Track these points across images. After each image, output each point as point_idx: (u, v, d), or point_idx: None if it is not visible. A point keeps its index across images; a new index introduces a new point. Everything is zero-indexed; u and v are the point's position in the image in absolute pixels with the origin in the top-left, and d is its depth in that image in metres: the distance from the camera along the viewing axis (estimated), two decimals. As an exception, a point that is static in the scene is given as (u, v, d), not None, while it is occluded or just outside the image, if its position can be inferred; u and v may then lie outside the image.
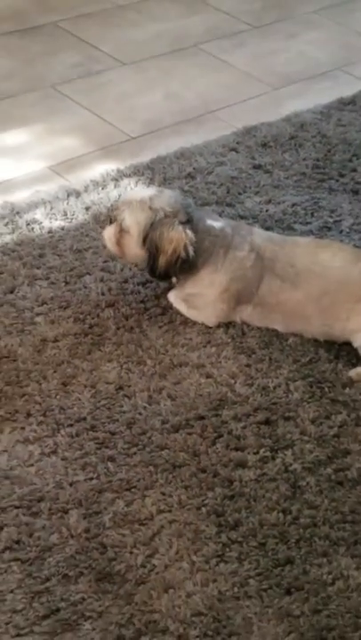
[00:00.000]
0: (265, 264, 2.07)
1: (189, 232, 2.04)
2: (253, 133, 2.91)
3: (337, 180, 2.69)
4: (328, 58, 3.47)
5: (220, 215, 2.50)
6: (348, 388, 2.00)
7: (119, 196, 2.51)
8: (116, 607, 1.58)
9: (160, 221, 2.04)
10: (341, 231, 2.48)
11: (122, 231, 2.10)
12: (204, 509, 1.74)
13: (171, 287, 2.21)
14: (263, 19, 3.78)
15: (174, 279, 2.16)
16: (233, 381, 2.02)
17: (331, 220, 2.52)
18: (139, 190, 2.23)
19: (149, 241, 2.05)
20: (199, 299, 2.13)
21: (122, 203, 2.12)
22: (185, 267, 2.07)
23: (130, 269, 2.30)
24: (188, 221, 2.06)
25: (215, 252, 2.09)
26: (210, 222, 2.12)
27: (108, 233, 2.14)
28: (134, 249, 2.10)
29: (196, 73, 3.34)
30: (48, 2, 3.75)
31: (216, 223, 2.13)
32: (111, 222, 2.15)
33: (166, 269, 2.07)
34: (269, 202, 2.59)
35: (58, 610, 1.57)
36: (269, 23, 3.76)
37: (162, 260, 2.06)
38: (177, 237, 2.04)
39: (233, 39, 3.60)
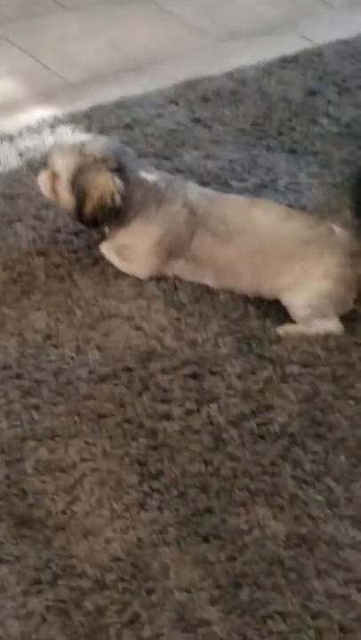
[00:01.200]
0: (198, 219, 2.07)
1: (117, 180, 2.03)
2: (194, 87, 2.89)
3: (275, 139, 2.69)
4: (275, 14, 3.44)
5: (157, 168, 2.48)
6: (274, 345, 2.03)
7: (54, 142, 2.47)
8: (34, 551, 1.59)
9: (88, 166, 2.03)
10: (277, 190, 2.49)
11: (54, 176, 2.09)
12: (127, 459, 1.76)
13: (104, 238, 2.20)
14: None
15: (106, 229, 2.15)
16: (162, 334, 2.02)
17: (267, 179, 2.52)
18: (76, 136, 2.21)
19: (77, 186, 2.04)
20: (131, 251, 2.13)
21: (55, 147, 2.12)
22: (113, 216, 2.06)
23: (63, 218, 2.28)
24: (119, 170, 2.05)
25: (147, 204, 2.08)
26: (143, 174, 2.11)
27: (42, 178, 2.13)
28: (64, 195, 2.09)
29: (141, 22, 3.29)
30: None
31: (150, 176, 2.12)
32: (46, 167, 2.13)
33: (93, 216, 2.06)
34: (207, 157, 2.58)
35: (-25, 554, 1.58)
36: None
37: (88, 206, 2.04)
38: (103, 183, 2.03)
39: (178, -11, 3.55)
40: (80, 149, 2.06)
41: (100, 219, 2.07)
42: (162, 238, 2.09)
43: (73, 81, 2.90)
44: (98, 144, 2.09)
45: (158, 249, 2.09)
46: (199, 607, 1.54)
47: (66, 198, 2.10)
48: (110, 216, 2.07)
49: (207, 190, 2.21)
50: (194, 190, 2.14)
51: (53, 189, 2.11)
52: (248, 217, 2.07)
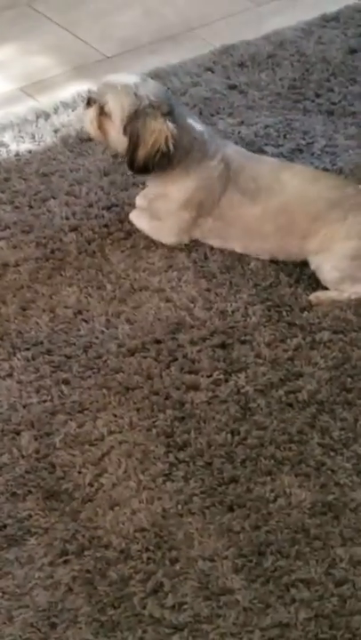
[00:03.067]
0: (230, 176, 2.06)
1: (172, 125, 1.99)
2: (231, 52, 2.84)
3: (312, 101, 2.64)
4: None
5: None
6: (305, 312, 2.00)
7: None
8: (62, 524, 1.63)
9: (144, 110, 1.99)
10: (313, 153, 2.44)
11: (103, 115, 2.04)
12: (154, 430, 1.77)
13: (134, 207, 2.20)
14: None
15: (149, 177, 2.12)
16: (192, 305, 2.02)
17: (303, 143, 2.48)
18: (123, 75, 2.13)
19: (131, 130, 2.00)
20: (163, 204, 2.11)
21: (105, 85, 2.06)
22: (163, 162, 2.02)
23: (95, 193, 2.29)
24: (170, 114, 2.01)
25: (192, 154, 2.05)
26: (191, 121, 2.09)
27: (90, 115, 2.07)
28: (115, 134, 2.05)
29: (178, -12, 3.25)
30: None
31: (197, 125, 2.10)
32: (89, 104, 2.09)
33: (145, 162, 2.02)
34: (242, 123, 2.55)
35: (5, 526, 1.62)
36: None
37: (141, 152, 2.01)
38: (159, 129, 1.99)
39: None
40: (134, 91, 2.01)
41: (151, 164, 2.03)
42: (194, 193, 2.06)
43: (109, 54, 2.89)
44: (150, 87, 2.04)
45: (189, 205, 2.08)
46: (222, 576, 1.55)
47: (116, 139, 2.05)
48: (161, 161, 2.02)
49: (244, 150, 2.19)
50: (232, 148, 2.13)
51: (100, 127, 2.06)
52: (277, 177, 2.05)
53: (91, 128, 2.09)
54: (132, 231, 2.20)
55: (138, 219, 2.17)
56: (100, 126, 2.07)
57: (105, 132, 2.07)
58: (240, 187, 2.05)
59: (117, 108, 2.02)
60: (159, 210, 2.13)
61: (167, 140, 2.00)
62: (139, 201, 2.18)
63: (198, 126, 2.10)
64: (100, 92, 2.06)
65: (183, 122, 2.06)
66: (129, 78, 2.06)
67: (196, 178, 2.06)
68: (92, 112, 2.07)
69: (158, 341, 1.94)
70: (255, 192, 2.03)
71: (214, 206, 2.07)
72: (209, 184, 2.06)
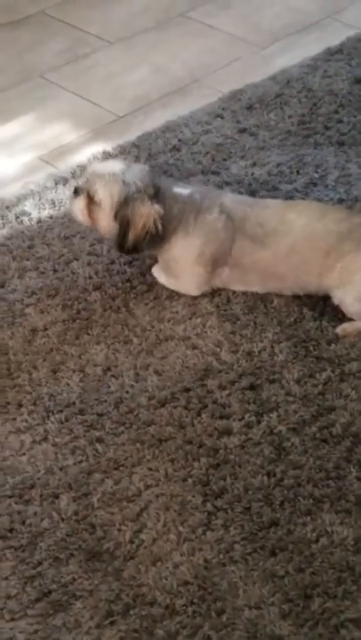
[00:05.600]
0: (236, 225, 2.07)
1: (157, 207, 2.06)
2: (239, 97, 2.88)
3: (322, 134, 2.65)
4: (315, 7, 3.40)
5: (205, 184, 2.50)
6: (333, 345, 1.99)
7: (88, 167, 2.38)
8: (106, 584, 1.62)
9: (132, 196, 2.05)
10: (327, 185, 2.45)
11: (92, 203, 2.10)
12: (190, 480, 1.77)
13: (155, 262, 2.23)
14: (250, -23, 3.71)
15: (146, 252, 2.17)
16: (218, 350, 2.03)
17: (316, 176, 2.49)
18: (108, 163, 2.20)
19: (121, 216, 2.06)
20: (177, 265, 2.14)
21: (92, 175, 2.11)
22: (154, 240, 2.08)
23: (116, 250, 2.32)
24: (156, 194, 2.07)
25: (185, 217, 2.09)
26: (177, 190, 2.13)
27: (79, 205, 2.13)
28: (105, 221, 2.10)
29: (183, 42, 3.32)
30: (35, -9, 3.76)
31: (184, 190, 2.14)
32: (77, 193, 2.14)
33: (135, 244, 2.09)
34: (254, 165, 2.57)
35: (50, 592, 1.62)
36: (257, -20, 3.69)
37: (131, 235, 2.07)
38: (148, 213, 2.05)
39: (219, 2, 3.55)
40: (122, 178, 2.07)
41: (140, 245, 2.10)
42: (203, 247, 2.09)
43: (121, 113, 2.95)
44: (136, 172, 2.10)
45: (202, 259, 2.10)
46: (270, 623, 1.52)
47: (106, 226, 2.11)
48: (151, 242, 2.09)
49: (244, 197, 2.22)
50: (230, 197, 2.15)
51: (90, 214, 2.12)
52: (282, 219, 2.05)
53: (81, 216, 2.14)
54: (154, 282, 2.22)
55: (159, 274, 2.20)
56: (90, 214, 2.12)
57: (94, 219, 2.12)
58: (248, 234, 2.06)
59: (107, 197, 2.07)
60: (174, 270, 2.16)
61: (155, 221, 2.05)
62: (155, 273, 2.21)
63: (185, 191, 2.14)
64: (89, 181, 2.11)
65: (170, 193, 2.11)
66: (115, 166, 2.12)
67: (199, 235, 2.09)
68: (81, 201, 2.12)
69: (187, 389, 1.94)
70: (264, 237, 2.05)
71: (227, 256, 2.09)
72: (214, 237, 2.09)
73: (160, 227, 2.06)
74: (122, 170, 2.10)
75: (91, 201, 2.10)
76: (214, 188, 2.29)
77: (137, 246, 2.10)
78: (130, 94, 3.04)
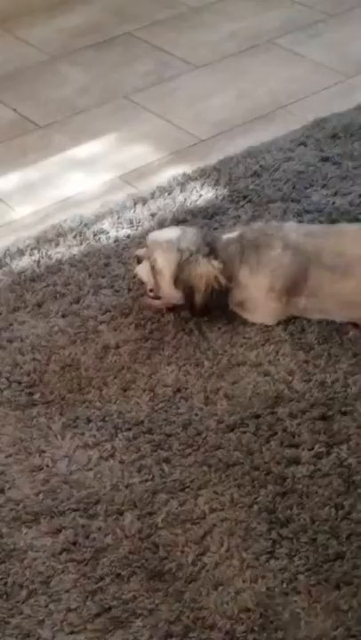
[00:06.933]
0: (309, 257, 2.06)
1: (215, 262, 2.08)
2: (323, 125, 2.88)
3: None
4: None
5: (284, 212, 2.50)
6: None
7: (150, 235, 2.28)
8: (166, 605, 1.62)
9: (186, 261, 2.09)
10: None
11: (154, 271, 2.15)
12: (255, 507, 1.76)
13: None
14: (339, 6, 3.72)
15: None
16: (290, 378, 2.02)
17: None
18: (165, 231, 2.26)
19: (181, 282, 2.10)
20: (250, 303, 2.15)
21: (151, 243, 2.17)
22: (222, 297, 2.10)
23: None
24: (211, 252, 2.09)
25: (245, 255, 2.11)
26: (227, 236, 2.16)
27: (145, 270, 2.17)
28: (167, 289, 2.15)
29: (269, 69, 3.33)
30: (124, 12, 3.82)
31: (232, 234, 2.17)
32: (139, 262, 2.20)
33: (204, 304, 2.10)
34: (336, 194, 2.57)
35: (110, 608, 1.62)
36: (346, 10, 3.69)
37: (198, 297, 2.10)
38: (205, 272, 2.08)
39: (308, 30, 3.57)
40: (177, 246, 2.12)
41: (211, 305, 2.11)
42: (272, 283, 2.09)
43: (203, 137, 2.98)
44: (189, 236, 2.14)
45: (273, 294, 2.10)
46: (331, 657, 1.50)
47: (169, 292, 2.16)
48: (220, 298, 2.10)
49: (310, 226, 2.22)
50: (294, 230, 2.14)
51: (154, 279, 2.16)
52: None
53: (147, 281, 2.19)
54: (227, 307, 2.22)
55: (232, 305, 2.20)
56: (154, 280, 2.16)
57: (158, 286, 2.16)
58: (326, 265, 2.05)
59: (165, 265, 2.12)
60: (249, 306, 2.16)
61: (217, 277, 2.07)
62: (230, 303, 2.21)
63: (235, 233, 2.16)
64: (149, 249, 2.16)
65: (221, 244, 2.13)
66: (171, 233, 2.17)
67: (265, 272, 2.10)
68: (144, 267, 2.17)
69: (257, 416, 1.94)
70: (346, 267, 2.03)
71: (302, 287, 2.08)
72: (281, 272, 2.08)
73: (223, 281, 2.08)
74: (177, 237, 2.14)
75: (152, 268, 2.15)
76: (274, 222, 2.29)
77: (207, 306, 2.11)
78: (213, 118, 3.06)
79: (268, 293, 2.10)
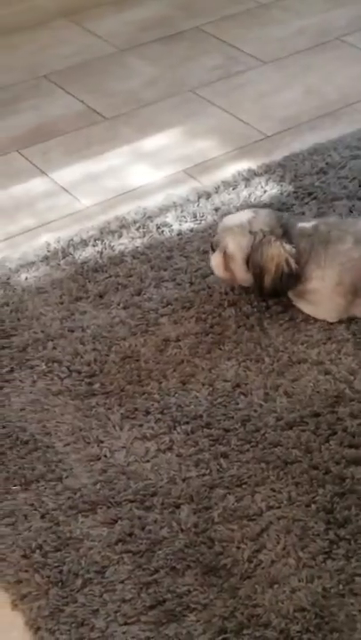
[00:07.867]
0: None
1: (288, 246, 2.07)
2: (391, 123, 2.84)
3: None
4: None
5: (350, 210, 2.47)
6: None
7: (221, 221, 2.31)
8: (221, 600, 1.61)
9: (259, 242, 2.08)
10: None
11: (227, 257, 2.14)
12: (313, 506, 1.74)
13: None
14: None
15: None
16: (352, 378, 1.99)
17: None
18: (237, 215, 2.25)
19: (252, 263, 2.09)
20: (314, 296, 2.12)
21: (222, 229, 2.17)
22: (291, 281, 2.09)
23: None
24: (285, 234, 2.08)
25: (314, 249, 2.09)
26: (301, 225, 2.13)
27: (216, 261, 2.18)
28: (240, 273, 2.15)
29: (338, 66, 3.30)
30: (193, 6, 3.81)
31: (308, 224, 2.14)
32: (213, 249, 2.20)
33: (273, 287, 2.09)
34: None
35: (164, 601, 1.62)
36: None
37: (267, 279, 2.09)
38: (277, 254, 2.07)
39: (378, 27, 3.52)
40: (248, 228, 2.11)
41: (280, 288, 2.10)
42: (340, 278, 2.07)
43: (270, 133, 2.96)
44: (261, 218, 2.13)
45: (340, 289, 2.07)
46: (387, 662, 1.48)
47: (242, 276, 2.16)
48: (290, 282, 2.09)
49: None
50: None
51: (227, 268, 2.16)
52: None
53: (218, 271, 2.19)
54: (290, 304, 2.20)
55: (295, 298, 2.18)
56: (227, 267, 2.16)
57: (232, 272, 2.16)
58: None
59: (237, 250, 2.12)
60: (313, 298, 2.14)
61: (288, 260, 2.06)
62: (292, 296, 2.19)
63: (310, 224, 2.14)
64: (220, 235, 2.16)
65: (295, 231, 2.11)
66: (243, 216, 2.16)
67: (333, 265, 2.08)
68: (217, 257, 2.17)
69: (317, 414, 1.92)
70: None
71: None
72: (350, 266, 2.06)
73: (294, 265, 2.07)
74: (249, 219, 2.13)
75: (225, 255, 2.14)
76: (350, 218, 2.26)
77: (276, 289, 2.10)
78: (279, 114, 3.04)
79: (335, 287, 2.08)
